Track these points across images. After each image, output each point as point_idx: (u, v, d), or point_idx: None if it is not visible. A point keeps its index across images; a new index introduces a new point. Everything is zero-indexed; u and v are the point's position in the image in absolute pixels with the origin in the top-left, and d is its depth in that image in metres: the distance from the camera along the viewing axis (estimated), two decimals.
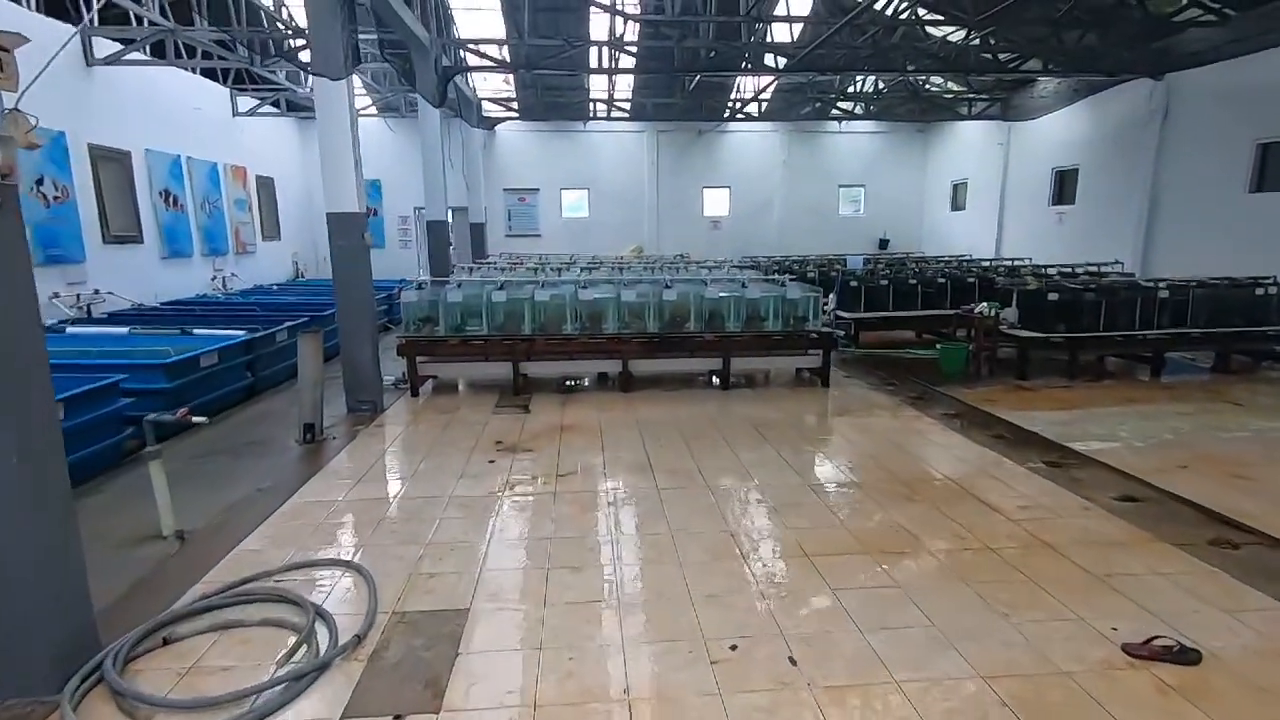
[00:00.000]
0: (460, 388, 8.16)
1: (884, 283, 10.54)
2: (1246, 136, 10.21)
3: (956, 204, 18.41)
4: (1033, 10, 11.07)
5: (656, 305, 7.86)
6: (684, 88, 14.53)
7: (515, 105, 16.17)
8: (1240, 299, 8.48)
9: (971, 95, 15.32)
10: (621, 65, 11.04)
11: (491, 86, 15.94)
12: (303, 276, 16.84)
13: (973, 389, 7.99)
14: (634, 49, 10.92)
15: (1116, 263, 11.42)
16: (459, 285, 7.99)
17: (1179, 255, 11.38)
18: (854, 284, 10.55)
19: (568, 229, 18.80)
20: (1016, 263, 12.88)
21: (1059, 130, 14.12)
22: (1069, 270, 11.11)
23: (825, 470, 5.32)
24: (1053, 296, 8.22)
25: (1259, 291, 8.46)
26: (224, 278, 13.31)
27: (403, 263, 18.24)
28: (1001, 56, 12.18)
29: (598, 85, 15.76)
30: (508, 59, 11.69)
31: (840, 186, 19.80)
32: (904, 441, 6.01)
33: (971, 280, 10.71)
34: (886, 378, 8.71)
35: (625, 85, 16.03)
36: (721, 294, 8.01)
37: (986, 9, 10.78)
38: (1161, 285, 8.51)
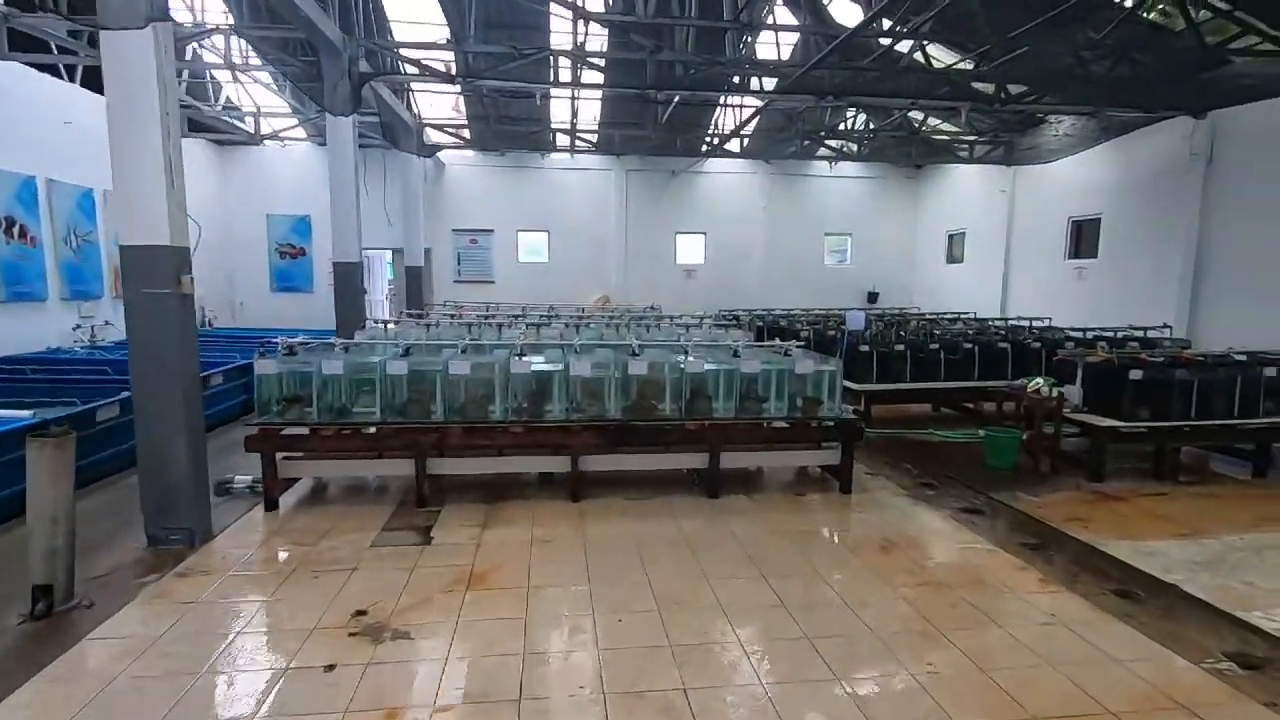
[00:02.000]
0: (346, 492, 5.86)
1: (900, 348, 8.62)
2: None
3: (953, 256, 16.88)
4: (1055, 39, 9.56)
5: (620, 381, 5.74)
6: (657, 118, 12.80)
7: (466, 134, 14.26)
8: None
9: (972, 138, 13.89)
10: (586, 80, 9.21)
11: (439, 113, 14.04)
12: (210, 325, 14.39)
13: (1040, 496, 6.00)
14: (600, 61, 9.13)
15: (1165, 327, 9.72)
16: (345, 350, 5.77)
17: (1234, 321, 9.73)
18: (864, 348, 8.60)
19: (525, 275, 16.76)
20: (1036, 323, 11.15)
21: (1076, 175, 12.66)
22: (1112, 335, 9.35)
23: (900, 694, 3.14)
24: (1135, 374, 6.32)
25: None
26: (93, 326, 10.85)
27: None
28: (1014, 90, 10.63)
29: (559, 114, 13.97)
30: (452, 71, 9.75)
31: (826, 235, 18.20)
32: (995, 609, 3.89)
33: (1002, 345, 8.86)
34: (918, 474, 6.70)
35: (590, 116, 14.28)
36: (708, 366, 5.94)
37: (1002, 35, 9.27)
38: (1249, 358, 6.71)
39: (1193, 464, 7.07)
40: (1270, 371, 6.53)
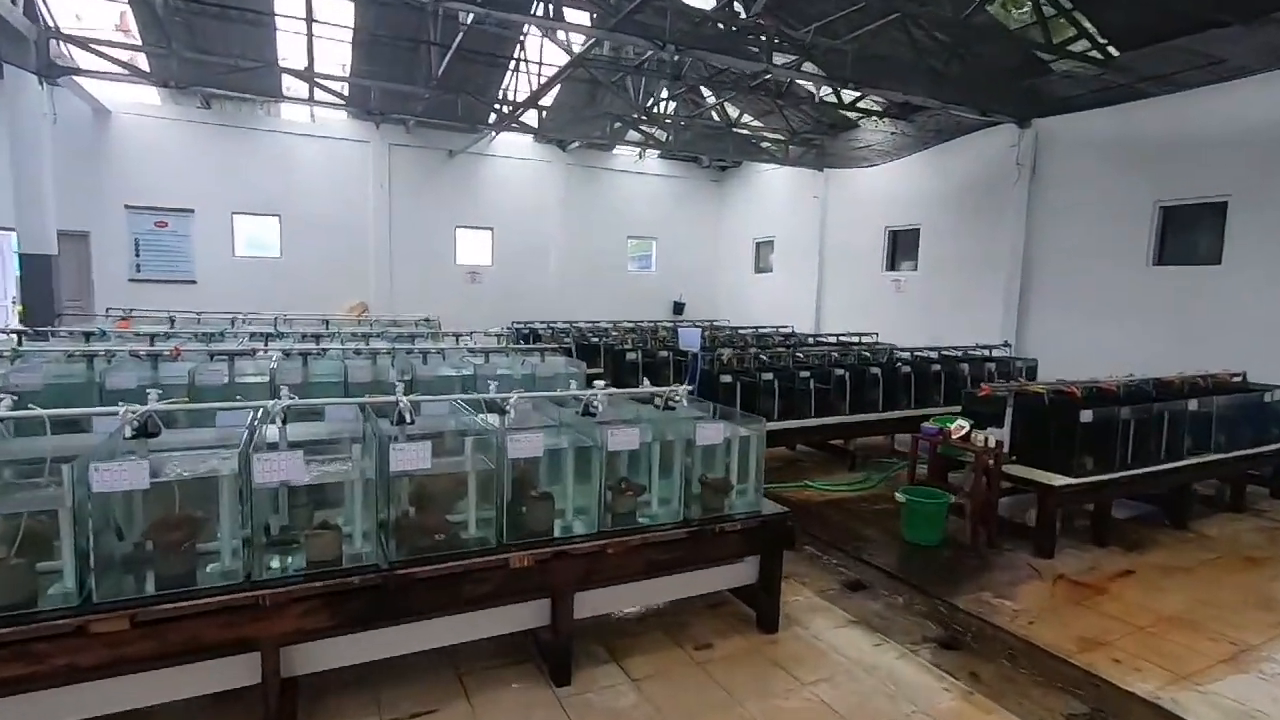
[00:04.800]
0: None
1: (769, 377, 6.69)
2: (1144, 198, 8.48)
3: (761, 265, 15.96)
4: (895, 27, 8.46)
5: (377, 481, 2.84)
6: (430, 70, 9.68)
7: (144, 66, 9.74)
8: (1249, 410, 6.10)
9: (784, 137, 12.81)
10: None
11: (89, 23, 9.36)
12: None
13: (1011, 598, 4.27)
14: None
15: (1005, 345, 9.09)
16: None
17: (1057, 335, 9.43)
18: (726, 379, 6.53)
19: (245, 274, 12.39)
20: (866, 338, 10.16)
21: (893, 184, 12.10)
22: (960, 354, 8.44)
23: None
24: (1086, 416, 4.93)
25: (1267, 399, 6.17)
26: None
27: None
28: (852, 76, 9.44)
29: (291, 53, 10.10)
30: None
31: (630, 238, 16.31)
32: None
33: (874, 371, 7.38)
34: (832, 561, 4.72)
35: (337, 59, 10.62)
36: (547, 436, 3.25)
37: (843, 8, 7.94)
38: (1150, 387, 5.81)
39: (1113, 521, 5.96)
40: (1193, 405, 5.60)
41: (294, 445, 2.92)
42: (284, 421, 2.95)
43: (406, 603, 2.82)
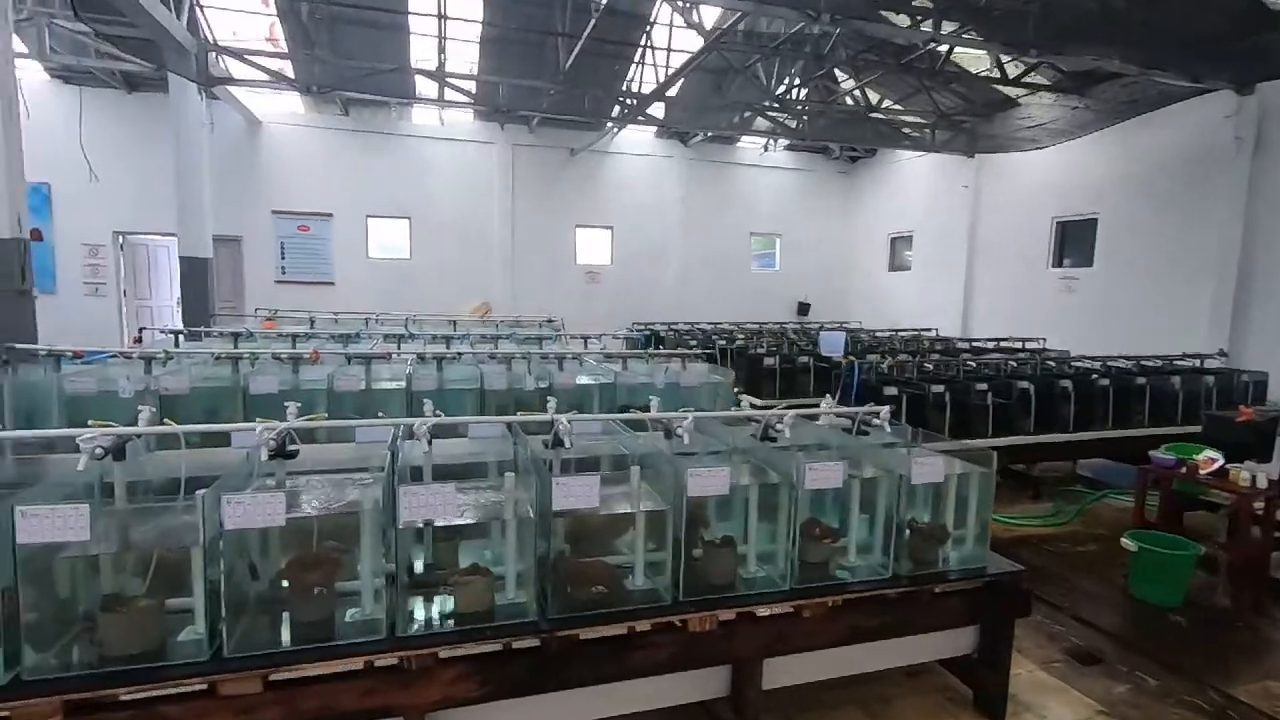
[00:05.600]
0: None
1: (939, 389, 5.81)
2: None
3: (896, 263, 14.73)
4: None
5: (536, 521, 2.36)
6: (559, 63, 9.43)
7: (290, 73, 10.14)
8: None
9: (930, 121, 11.62)
10: None
11: (243, 36, 9.83)
12: None
13: None
14: None
15: (1221, 354, 7.63)
16: None
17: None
18: (890, 391, 5.72)
19: (378, 276, 12.75)
20: (1030, 345, 8.90)
21: (1061, 169, 10.66)
22: (1158, 366, 7.11)
23: None
24: None
25: None
26: None
27: (92, 318, 11.21)
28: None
29: (422, 50, 10.17)
30: None
31: (752, 235, 15.54)
32: None
33: (1064, 385, 6.29)
34: (1048, 622, 3.85)
35: (466, 59, 10.61)
36: (719, 468, 2.66)
37: None
38: None
39: None
40: None
41: (438, 471, 2.53)
42: (429, 442, 2.54)
43: (569, 669, 2.33)
